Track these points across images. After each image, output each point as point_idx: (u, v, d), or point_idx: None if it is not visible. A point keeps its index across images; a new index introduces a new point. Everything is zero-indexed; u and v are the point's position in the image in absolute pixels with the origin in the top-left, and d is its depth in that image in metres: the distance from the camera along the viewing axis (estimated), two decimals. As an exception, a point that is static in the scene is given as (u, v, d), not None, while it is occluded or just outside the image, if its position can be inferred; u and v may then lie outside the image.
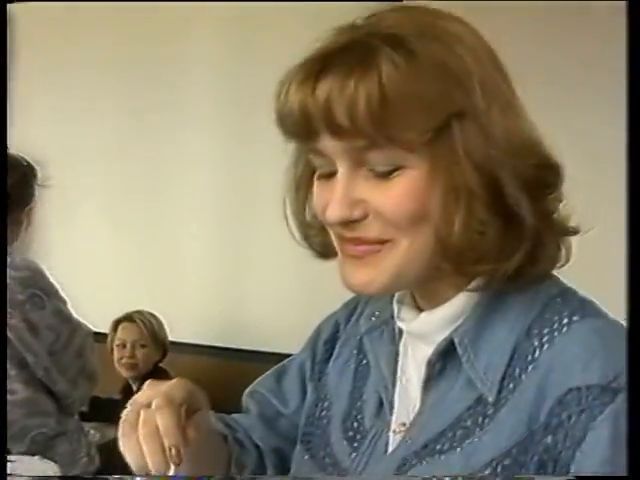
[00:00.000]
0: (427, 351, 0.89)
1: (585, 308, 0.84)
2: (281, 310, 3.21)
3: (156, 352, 3.20)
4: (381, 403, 0.95)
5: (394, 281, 0.84)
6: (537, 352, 0.81)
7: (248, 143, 3.28)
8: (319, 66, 0.78)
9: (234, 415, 1.14)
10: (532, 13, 2.72)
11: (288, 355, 3.05)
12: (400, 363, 0.95)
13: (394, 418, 0.92)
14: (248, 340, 3.38)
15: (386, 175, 0.80)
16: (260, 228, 3.17)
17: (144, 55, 3.52)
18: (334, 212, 0.81)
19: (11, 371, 2.12)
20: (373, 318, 1.00)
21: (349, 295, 1.01)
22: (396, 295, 0.95)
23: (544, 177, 0.82)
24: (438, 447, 0.84)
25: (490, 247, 0.81)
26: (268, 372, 1.15)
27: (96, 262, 3.58)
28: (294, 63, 0.82)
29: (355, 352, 1.03)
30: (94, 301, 3.00)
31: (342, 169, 0.81)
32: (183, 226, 3.47)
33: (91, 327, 2.39)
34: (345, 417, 0.99)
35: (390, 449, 0.91)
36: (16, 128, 3.39)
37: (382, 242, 0.82)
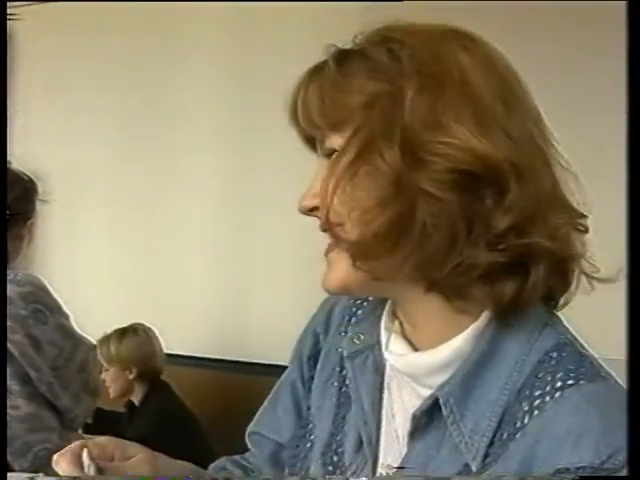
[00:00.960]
0: (415, 387, 0.87)
1: (581, 368, 0.79)
2: (282, 322, 3.20)
3: (122, 371, 3.17)
4: (361, 439, 0.92)
5: (346, 279, 0.85)
6: (526, 418, 0.78)
7: (248, 157, 3.29)
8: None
9: (247, 454, 1.13)
10: (532, 12, 2.73)
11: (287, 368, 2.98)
12: (386, 397, 0.92)
13: (381, 456, 0.89)
14: (249, 352, 3.38)
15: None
16: (260, 241, 3.18)
17: (147, 72, 3.53)
18: (299, 202, 0.89)
19: (14, 387, 2.10)
20: (357, 341, 0.96)
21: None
22: (383, 321, 0.93)
23: (475, 171, 0.78)
24: None
25: (391, 236, 0.80)
26: (264, 404, 1.13)
27: (98, 276, 3.59)
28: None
29: (337, 369, 1.00)
30: (96, 315, 3.00)
31: (318, 163, 0.89)
32: (184, 240, 3.48)
33: (93, 341, 2.39)
34: (325, 448, 0.96)
35: None
36: (18, 143, 3.41)
37: (332, 228, 0.84)
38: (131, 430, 2.94)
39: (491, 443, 0.79)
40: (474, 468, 0.78)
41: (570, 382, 0.77)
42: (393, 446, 0.88)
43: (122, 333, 3.20)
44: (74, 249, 3.62)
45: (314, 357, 1.05)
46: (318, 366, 1.03)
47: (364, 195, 0.80)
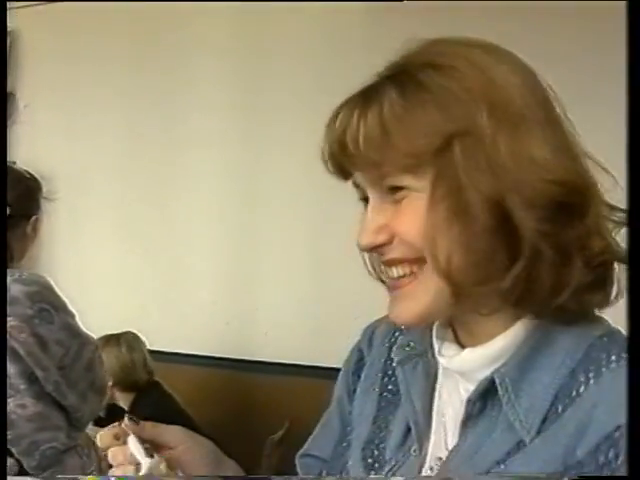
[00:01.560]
0: (467, 387, 0.88)
1: None
2: (289, 321, 3.21)
3: None
4: (406, 435, 0.94)
5: (429, 309, 0.85)
6: (582, 387, 0.79)
7: (255, 156, 3.30)
8: (340, 106, 0.85)
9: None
10: (531, 11, 2.73)
11: (296, 366, 3.05)
12: (437, 399, 0.94)
13: (430, 452, 0.91)
14: (256, 351, 3.39)
15: (398, 200, 0.84)
16: (269, 240, 3.18)
17: (152, 71, 3.54)
18: (361, 239, 0.86)
19: (21, 385, 2.11)
20: (407, 349, 0.99)
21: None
22: (435, 331, 0.94)
23: (564, 199, 0.80)
24: None
25: (491, 270, 0.81)
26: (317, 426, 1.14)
27: (103, 275, 3.60)
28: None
29: (380, 376, 1.03)
30: (102, 314, 3.01)
31: (370, 197, 0.86)
32: (190, 238, 3.48)
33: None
34: (366, 444, 0.99)
35: None
36: (24, 143, 3.42)
37: (411, 263, 0.84)
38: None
39: (545, 419, 0.80)
40: (527, 440, 0.80)
41: (624, 355, 0.79)
42: (442, 444, 0.90)
43: (106, 341, 3.20)
44: (80, 248, 3.62)
45: (358, 371, 1.07)
46: (362, 377, 1.06)
47: (476, 241, 0.81)
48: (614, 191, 0.85)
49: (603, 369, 0.79)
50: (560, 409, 0.80)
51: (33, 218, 2.27)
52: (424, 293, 0.84)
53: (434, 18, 2.35)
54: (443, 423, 0.91)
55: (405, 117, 0.80)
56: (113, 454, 0.94)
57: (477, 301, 0.84)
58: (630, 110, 0.78)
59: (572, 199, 0.80)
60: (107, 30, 3.62)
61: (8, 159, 2.31)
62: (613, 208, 0.86)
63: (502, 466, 0.81)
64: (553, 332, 0.84)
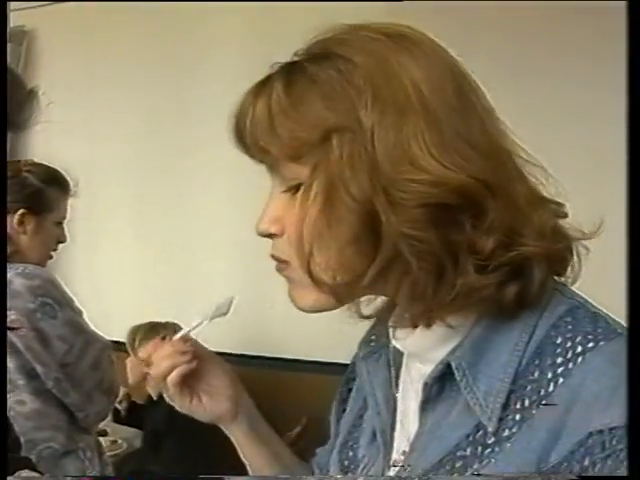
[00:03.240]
0: (424, 370, 0.85)
1: (598, 328, 0.78)
2: (306, 318, 3.16)
3: (140, 362, 3.18)
4: (374, 432, 0.93)
5: (324, 303, 0.85)
6: (551, 386, 0.76)
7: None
8: (243, 95, 0.85)
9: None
10: (530, 11, 2.68)
11: (309, 362, 3.01)
12: (400, 388, 0.92)
13: (395, 447, 0.89)
14: (273, 348, 3.36)
15: (291, 193, 0.83)
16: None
17: (168, 68, 3.51)
18: (257, 225, 0.86)
19: (19, 381, 2.06)
20: (372, 343, 0.99)
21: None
22: (391, 320, 0.91)
23: (447, 201, 0.75)
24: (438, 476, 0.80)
25: (354, 271, 0.79)
26: None
27: (119, 274, 3.58)
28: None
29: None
30: (117, 313, 2.97)
31: (272, 185, 0.86)
32: (205, 236, 3.44)
33: (110, 339, 2.34)
34: (342, 446, 0.99)
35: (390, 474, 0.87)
36: (40, 141, 3.41)
37: (311, 274, 0.81)
38: (148, 424, 2.92)
39: (506, 405, 0.78)
40: (490, 428, 0.77)
41: (590, 345, 0.76)
42: (409, 434, 0.88)
43: (152, 327, 3.18)
44: (95, 247, 3.60)
45: (350, 381, 1.08)
46: (353, 388, 1.06)
47: (341, 240, 0.78)
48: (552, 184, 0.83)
49: (570, 365, 0.76)
50: (527, 403, 0.77)
51: (20, 211, 2.23)
52: (301, 283, 0.83)
53: (435, 18, 2.31)
54: (406, 413, 0.90)
55: (289, 108, 0.78)
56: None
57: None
58: (630, 111, 0.72)
59: (462, 202, 0.75)
60: (124, 28, 3.59)
61: (23, 157, 2.28)
62: (548, 202, 0.82)
63: (463, 452, 0.79)
64: (508, 312, 0.80)
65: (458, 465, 0.79)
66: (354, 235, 0.77)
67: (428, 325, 0.81)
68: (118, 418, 3.23)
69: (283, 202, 0.83)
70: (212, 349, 3.31)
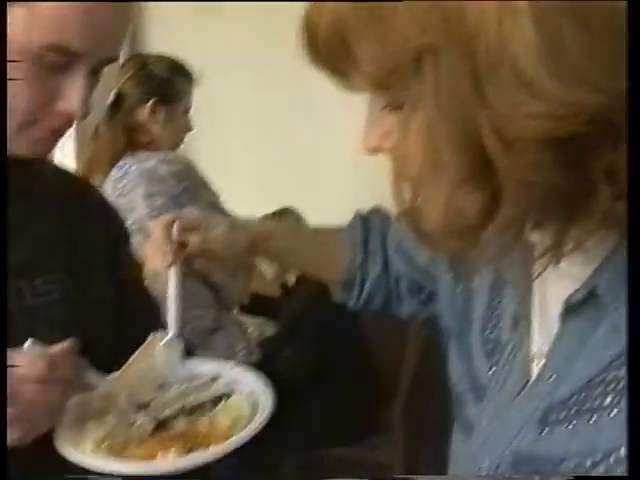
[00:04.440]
0: (564, 288, 0.75)
1: None
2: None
3: None
4: (517, 318, 0.85)
5: None
6: None
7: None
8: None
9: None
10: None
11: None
12: (538, 285, 0.82)
13: (534, 338, 0.82)
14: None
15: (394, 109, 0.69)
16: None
17: None
18: (366, 143, 0.74)
19: (170, 264, 2.15)
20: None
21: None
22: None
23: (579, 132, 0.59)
24: (588, 403, 0.69)
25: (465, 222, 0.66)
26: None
27: (243, 160, 3.61)
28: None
29: None
30: (241, 200, 3.01)
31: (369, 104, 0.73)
32: (333, 121, 3.43)
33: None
34: (484, 326, 0.91)
35: (531, 377, 0.79)
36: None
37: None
38: (285, 311, 2.99)
39: None
40: None
41: None
42: (549, 332, 0.79)
43: (273, 216, 3.22)
44: (218, 132, 3.62)
45: None
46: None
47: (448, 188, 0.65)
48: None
49: None
50: None
51: (151, 101, 2.26)
52: None
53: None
54: (545, 311, 0.81)
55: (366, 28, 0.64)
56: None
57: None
58: (630, 110, 0.60)
59: (595, 129, 0.60)
60: None
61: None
62: None
63: (603, 376, 0.68)
64: None
65: (613, 387, 0.67)
66: (464, 182, 0.64)
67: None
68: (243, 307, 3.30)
69: (389, 118, 0.70)
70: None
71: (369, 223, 1.21)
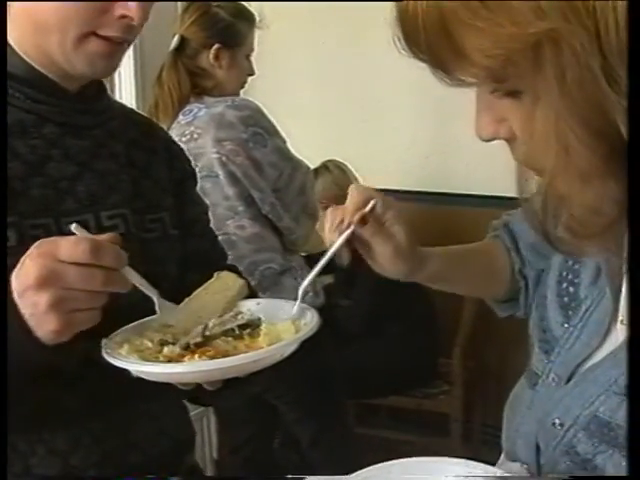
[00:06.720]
0: None
1: None
2: (490, 153, 3.11)
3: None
4: (598, 272, 0.83)
5: None
6: None
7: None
8: None
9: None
10: None
11: (497, 198, 2.97)
12: None
13: (622, 293, 0.78)
14: (456, 184, 3.34)
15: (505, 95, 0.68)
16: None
17: None
18: (480, 131, 0.72)
19: (239, 207, 2.17)
20: None
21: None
22: None
23: None
24: None
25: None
26: None
27: (303, 109, 3.60)
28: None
29: None
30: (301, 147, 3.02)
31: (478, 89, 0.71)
32: (390, 74, 3.40)
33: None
34: (560, 277, 0.90)
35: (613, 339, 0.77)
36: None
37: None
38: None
39: None
40: None
41: None
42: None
43: (314, 172, 3.19)
44: (279, 81, 3.61)
45: None
46: None
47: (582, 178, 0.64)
48: None
49: None
50: None
51: (215, 46, 2.25)
52: None
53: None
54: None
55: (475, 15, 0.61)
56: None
57: None
58: (630, 110, 0.58)
59: None
60: None
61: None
62: None
63: None
64: None
65: None
66: (597, 171, 0.63)
67: None
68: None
69: (502, 104, 0.69)
70: (394, 187, 3.31)
71: (511, 229, 1.14)
